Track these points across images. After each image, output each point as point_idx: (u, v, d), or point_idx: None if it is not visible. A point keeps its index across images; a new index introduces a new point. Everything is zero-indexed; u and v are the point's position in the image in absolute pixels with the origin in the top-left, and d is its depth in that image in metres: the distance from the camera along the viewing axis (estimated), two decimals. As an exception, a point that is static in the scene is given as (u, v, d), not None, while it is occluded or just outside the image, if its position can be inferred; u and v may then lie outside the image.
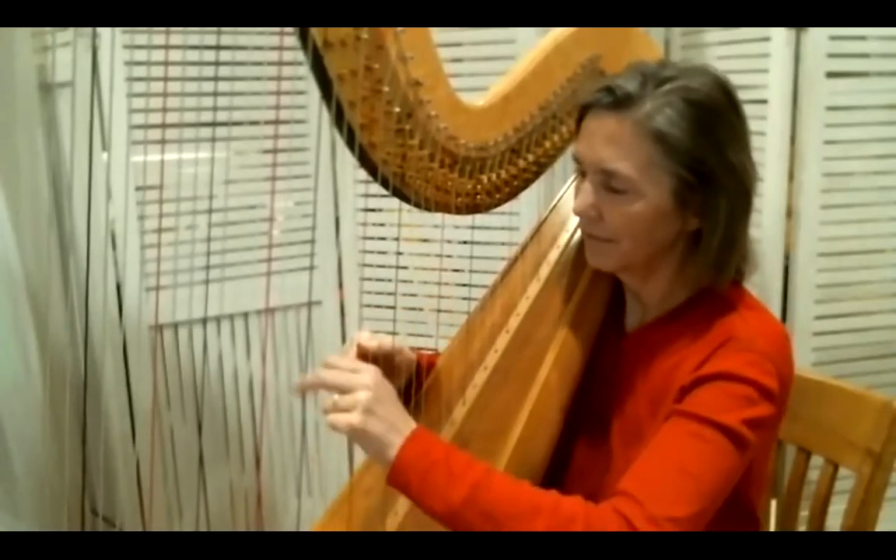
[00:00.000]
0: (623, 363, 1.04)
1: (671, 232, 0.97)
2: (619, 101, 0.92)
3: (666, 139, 0.91)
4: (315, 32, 0.84)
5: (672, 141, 0.91)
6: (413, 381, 1.10)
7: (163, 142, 1.53)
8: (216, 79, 1.58)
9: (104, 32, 1.51)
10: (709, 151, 0.92)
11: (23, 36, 1.51)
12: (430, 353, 1.16)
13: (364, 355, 1.06)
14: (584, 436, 1.07)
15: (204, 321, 1.72)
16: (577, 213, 0.99)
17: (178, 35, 1.53)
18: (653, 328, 1.02)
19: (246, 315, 1.78)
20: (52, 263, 1.60)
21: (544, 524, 0.84)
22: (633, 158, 0.92)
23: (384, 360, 1.07)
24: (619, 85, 0.93)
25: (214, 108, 1.62)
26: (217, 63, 1.57)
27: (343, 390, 0.90)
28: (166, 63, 1.50)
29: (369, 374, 0.91)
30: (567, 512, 0.85)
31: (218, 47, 1.56)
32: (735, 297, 0.98)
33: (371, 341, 1.06)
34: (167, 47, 1.46)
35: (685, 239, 0.98)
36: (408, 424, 0.90)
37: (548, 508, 0.85)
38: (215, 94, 1.61)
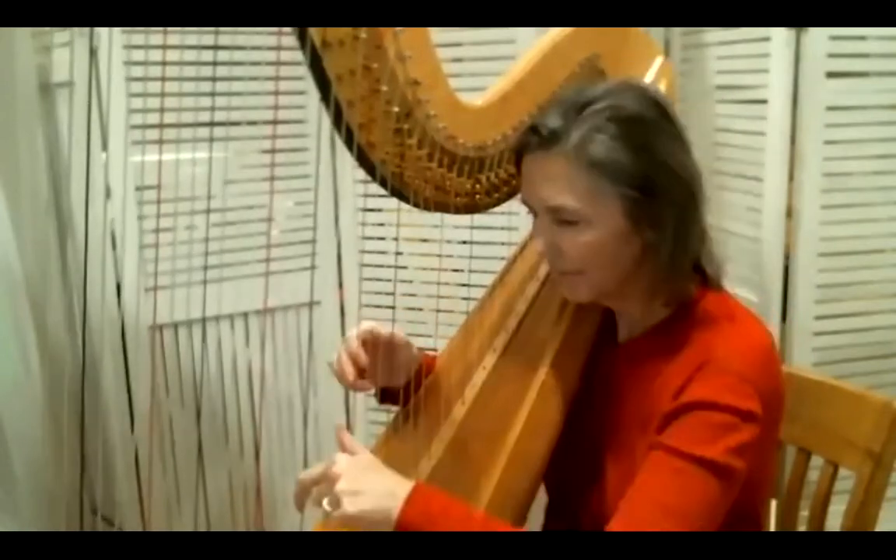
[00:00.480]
0: (616, 374, 1.04)
1: (635, 250, 0.96)
2: (545, 140, 0.92)
3: (602, 164, 0.90)
4: (313, 32, 0.84)
5: (608, 164, 0.90)
6: (412, 381, 1.10)
7: (161, 142, 1.53)
8: (215, 79, 1.58)
9: (103, 32, 1.51)
10: (648, 164, 0.91)
11: (23, 36, 1.50)
12: (433, 354, 1.16)
13: (366, 345, 1.07)
14: (581, 443, 1.07)
15: (203, 321, 1.72)
16: (540, 253, 1.00)
17: (176, 35, 1.53)
18: (641, 341, 1.02)
19: (245, 315, 1.78)
20: (52, 263, 1.60)
21: None
22: (574, 191, 0.92)
23: (383, 354, 1.07)
24: (542, 123, 0.93)
25: (213, 108, 1.61)
26: (216, 63, 1.57)
27: (325, 492, 0.90)
28: (165, 63, 1.49)
29: (339, 462, 0.90)
30: None
31: (216, 47, 1.56)
32: (717, 308, 0.97)
33: (367, 335, 1.06)
34: (166, 47, 1.46)
35: (650, 253, 0.97)
36: (403, 487, 0.88)
37: None
38: (214, 94, 1.61)
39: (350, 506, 0.86)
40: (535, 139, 0.93)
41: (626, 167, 0.90)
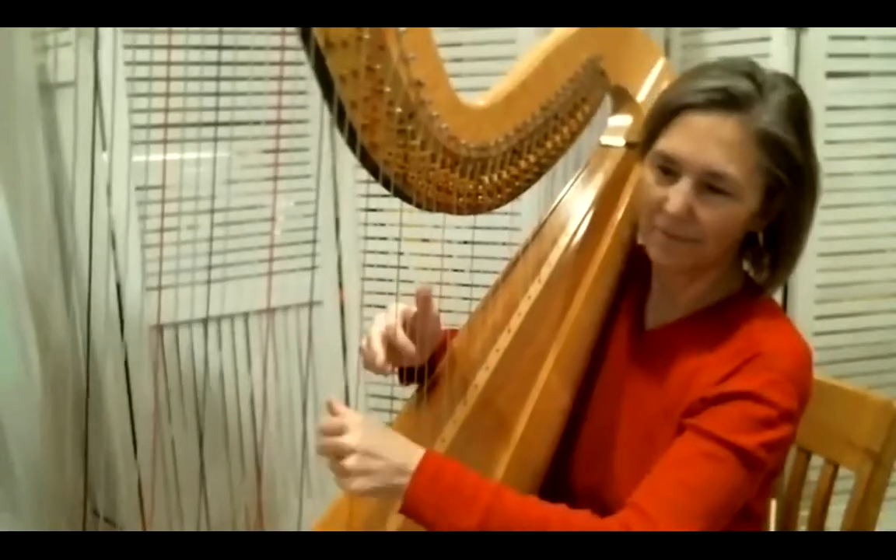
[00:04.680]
0: (641, 360, 1.04)
1: (740, 233, 0.96)
2: (733, 101, 0.90)
3: (773, 142, 0.90)
4: (317, 33, 0.84)
5: (777, 143, 0.90)
6: (426, 368, 1.10)
7: (164, 142, 1.53)
8: (218, 79, 1.58)
9: (105, 32, 1.51)
10: (804, 156, 0.92)
11: (23, 36, 1.51)
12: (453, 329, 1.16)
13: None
14: (592, 429, 1.07)
15: (205, 321, 1.72)
16: (672, 213, 0.93)
17: (179, 35, 1.53)
18: (676, 328, 1.01)
19: (247, 315, 1.78)
20: (53, 264, 1.60)
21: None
22: (741, 161, 0.90)
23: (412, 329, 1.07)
24: (734, 85, 0.90)
25: (216, 109, 1.62)
26: (219, 63, 1.57)
27: (337, 458, 0.89)
28: (168, 63, 1.49)
29: (352, 434, 0.89)
30: (576, 526, 0.86)
31: (220, 47, 1.57)
32: (762, 306, 0.98)
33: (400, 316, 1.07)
34: (169, 47, 1.46)
35: (741, 240, 0.98)
36: (411, 460, 0.88)
37: (557, 522, 0.86)
38: (217, 94, 1.61)
39: (360, 485, 0.87)
40: (719, 97, 0.90)
41: (788, 151, 0.91)
